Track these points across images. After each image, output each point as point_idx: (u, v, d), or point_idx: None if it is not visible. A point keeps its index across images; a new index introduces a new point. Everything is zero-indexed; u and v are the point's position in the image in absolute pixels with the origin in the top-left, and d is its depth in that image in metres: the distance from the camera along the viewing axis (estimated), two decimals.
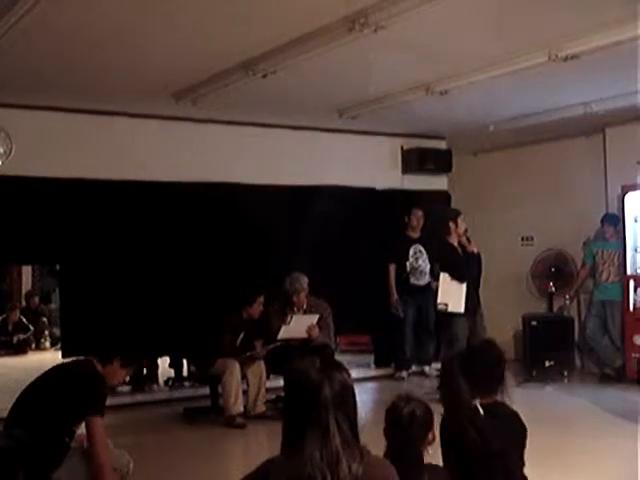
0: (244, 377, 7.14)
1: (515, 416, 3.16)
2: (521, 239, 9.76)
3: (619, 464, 4.86)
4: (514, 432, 3.11)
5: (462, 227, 7.76)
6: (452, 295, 7.63)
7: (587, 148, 9.05)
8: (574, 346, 8.88)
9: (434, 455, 3.05)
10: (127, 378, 4.30)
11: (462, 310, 7.51)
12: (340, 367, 2.22)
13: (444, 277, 7.67)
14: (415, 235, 9.06)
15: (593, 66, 6.14)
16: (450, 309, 7.56)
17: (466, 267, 7.67)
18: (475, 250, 7.73)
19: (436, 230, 8.14)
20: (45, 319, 12.81)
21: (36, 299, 13.26)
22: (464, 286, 7.61)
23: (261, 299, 7.39)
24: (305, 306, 7.45)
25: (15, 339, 12.15)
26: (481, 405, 3.04)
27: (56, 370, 4.27)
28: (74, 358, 4.53)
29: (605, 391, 7.93)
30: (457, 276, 7.61)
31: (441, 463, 3.13)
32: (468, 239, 7.77)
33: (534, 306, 9.35)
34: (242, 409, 6.99)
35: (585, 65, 6.02)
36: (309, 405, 2.12)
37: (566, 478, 3.73)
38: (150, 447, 4.39)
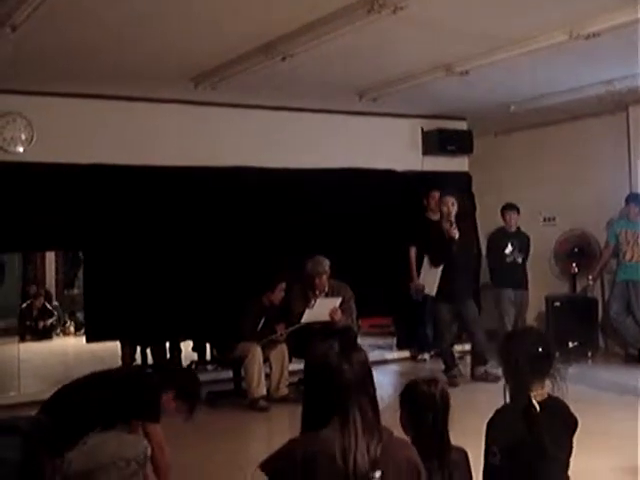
0: (266, 360, 7.18)
1: (567, 411, 3.07)
2: (543, 219, 9.67)
3: None
4: (566, 429, 3.01)
5: (444, 209, 7.78)
6: (428, 278, 7.85)
7: (610, 127, 8.93)
8: (598, 327, 8.84)
9: None
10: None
11: (433, 293, 7.76)
12: (357, 348, 2.22)
13: (426, 259, 7.95)
14: (435, 217, 9.01)
15: (615, 44, 6.04)
16: (426, 291, 7.88)
17: (445, 251, 7.66)
18: (456, 235, 7.67)
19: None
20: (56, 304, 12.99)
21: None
22: (438, 271, 7.68)
23: (283, 285, 7.40)
24: (327, 289, 7.44)
25: (41, 325, 12.29)
26: (537, 401, 2.91)
27: (122, 372, 4.41)
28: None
29: (629, 372, 7.87)
30: (432, 259, 7.81)
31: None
32: (450, 222, 7.72)
33: (557, 287, 9.30)
34: (265, 392, 7.04)
35: (607, 43, 5.93)
36: (330, 390, 2.11)
37: (590, 459, 3.71)
38: (173, 430, 4.41)
